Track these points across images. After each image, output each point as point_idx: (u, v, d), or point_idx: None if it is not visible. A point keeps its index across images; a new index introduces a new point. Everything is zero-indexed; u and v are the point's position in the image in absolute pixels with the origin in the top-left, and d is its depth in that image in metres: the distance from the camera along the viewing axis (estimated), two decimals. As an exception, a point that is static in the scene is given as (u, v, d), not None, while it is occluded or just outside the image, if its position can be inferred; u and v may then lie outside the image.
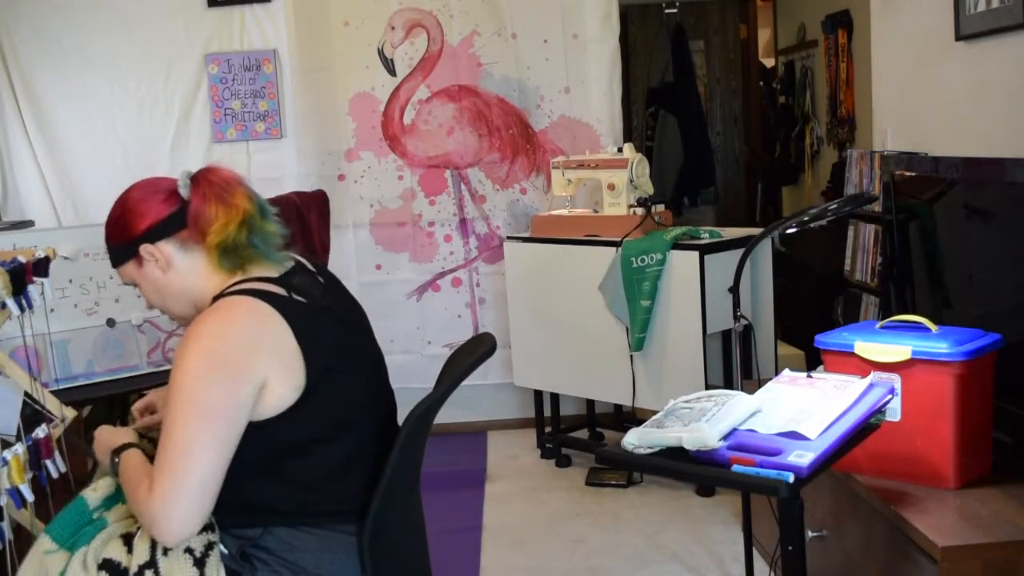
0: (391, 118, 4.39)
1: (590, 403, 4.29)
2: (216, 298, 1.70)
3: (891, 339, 2.28)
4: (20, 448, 2.09)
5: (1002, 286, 2.50)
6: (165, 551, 1.63)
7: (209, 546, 1.64)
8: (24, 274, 2.15)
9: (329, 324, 1.73)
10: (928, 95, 3.36)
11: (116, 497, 1.79)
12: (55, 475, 2.20)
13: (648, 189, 3.83)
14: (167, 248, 1.74)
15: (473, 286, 4.49)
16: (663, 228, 3.72)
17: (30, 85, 4.32)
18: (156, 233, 1.73)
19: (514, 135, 4.40)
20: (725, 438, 1.76)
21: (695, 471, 1.83)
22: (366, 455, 1.73)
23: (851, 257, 4.13)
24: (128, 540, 1.69)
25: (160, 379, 3.27)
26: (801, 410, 1.83)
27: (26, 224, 3.98)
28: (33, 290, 2.17)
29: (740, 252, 2.81)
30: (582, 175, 3.97)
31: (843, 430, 1.76)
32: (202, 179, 1.74)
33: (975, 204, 2.63)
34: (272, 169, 4.35)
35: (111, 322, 3.30)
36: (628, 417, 4.18)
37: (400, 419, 1.76)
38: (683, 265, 3.51)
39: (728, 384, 3.55)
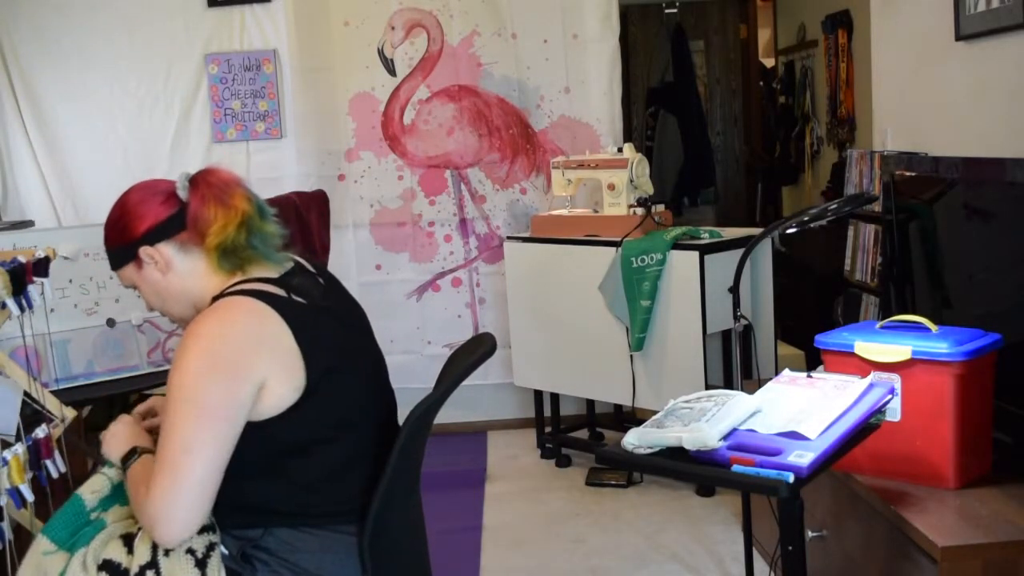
0: (391, 118, 4.39)
1: (590, 403, 4.29)
2: (216, 299, 1.70)
3: (891, 339, 2.28)
4: (20, 448, 2.09)
5: (1002, 286, 2.50)
6: (167, 552, 1.63)
7: (210, 547, 1.64)
8: (24, 274, 2.15)
9: (329, 324, 1.73)
10: (928, 95, 3.36)
11: (113, 497, 1.79)
12: (55, 475, 2.20)
13: (648, 189, 3.83)
14: (166, 250, 1.74)
15: (473, 286, 4.49)
16: (663, 228, 3.72)
17: (30, 85, 4.32)
18: (155, 235, 1.73)
19: (514, 135, 4.40)
20: (725, 438, 1.76)
21: (695, 471, 1.83)
22: (366, 455, 1.73)
23: (851, 257, 4.13)
24: (128, 541, 1.69)
25: (160, 379, 3.28)
26: (801, 410, 1.83)
27: (26, 224, 3.99)
28: (33, 290, 2.17)
29: (740, 252, 2.81)
30: (582, 175, 3.97)
31: (843, 430, 1.76)
32: (201, 181, 1.74)
33: (975, 204, 2.63)
34: (272, 169, 4.35)
35: (111, 322, 3.30)
36: (628, 417, 4.18)
37: (400, 419, 1.76)
38: (683, 265, 3.51)
39: (728, 384, 3.55)
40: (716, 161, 7.07)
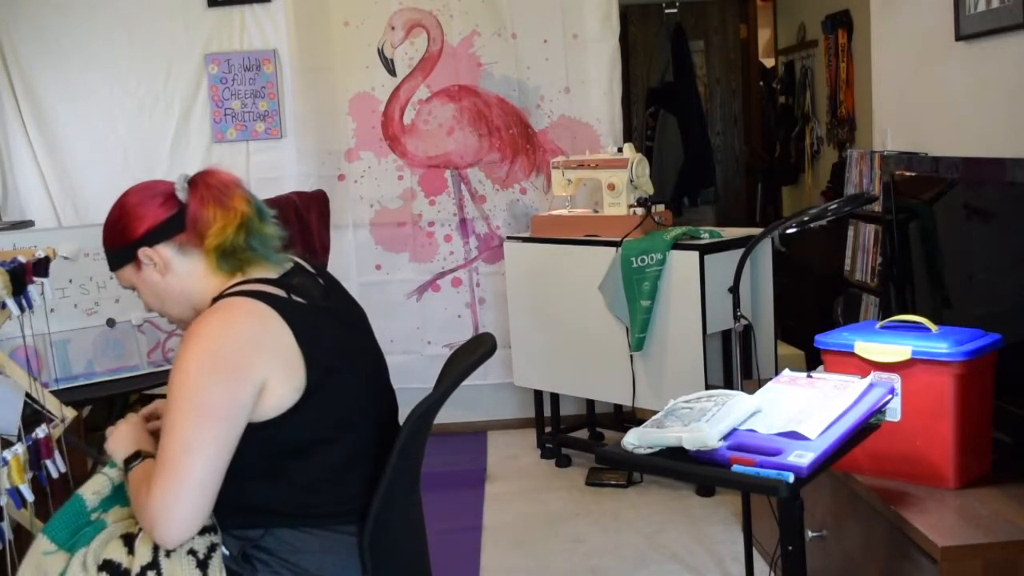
0: (391, 118, 4.39)
1: (590, 403, 4.29)
2: (216, 299, 1.70)
3: (891, 339, 2.28)
4: (20, 448, 2.09)
5: (1002, 286, 2.50)
6: (168, 553, 1.63)
7: (212, 548, 1.64)
8: (24, 274, 2.15)
9: (329, 325, 1.73)
10: (928, 95, 3.36)
11: (114, 498, 1.79)
12: (55, 475, 2.20)
13: (648, 189, 3.83)
14: (165, 251, 1.73)
15: (473, 286, 4.49)
16: (663, 228, 3.72)
17: (30, 85, 4.32)
18: (154, 237, 1.73)
19: (514, 135, 4.40)
20: (725, 438, 1.76)
21: (695, 471, 1.83)
22: (367, 455, 1.73)
23: (851, 257, 4.13)
24: (129, 541, 1.69)
25: (160, 379, 3.28)
26: (801, 410, 1.83)
27: (26, 224, 3.99)
28: (33, 290, 2.17)
29: (740, 252, 2.81)
30: (582, 175, 3.97)
31: (843, 430, 1.76)
32: (200, 182, 1.74)
33: (975, 204, 2.63)
34: (272, 169, 4.35)
35: (111, 322, 3.30)
36: (628, 417, 4.18)
37: (400, 419, 1.76)
38: (683, 265, 3.51)
39: (728, 384, 3.55)
40: (716, 161, 7.07)
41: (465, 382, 1.83)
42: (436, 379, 1.94)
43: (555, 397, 4.13)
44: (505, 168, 4.42)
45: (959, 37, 3.04)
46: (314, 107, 4.38)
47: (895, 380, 2.22)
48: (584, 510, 3.62)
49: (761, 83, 7.07)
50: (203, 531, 1.63)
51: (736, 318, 2.74)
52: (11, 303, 2.10)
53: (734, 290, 2.75)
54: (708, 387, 3.38)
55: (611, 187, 3.83)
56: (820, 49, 5.60)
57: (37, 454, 2.15)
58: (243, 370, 1.59)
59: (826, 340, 2.38)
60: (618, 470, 3.80)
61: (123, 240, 1.75)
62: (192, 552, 1.62)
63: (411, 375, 4.09)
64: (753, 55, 7.13)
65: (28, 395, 2.25)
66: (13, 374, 2.32)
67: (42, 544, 1.72)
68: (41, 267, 2.23)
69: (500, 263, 4.31)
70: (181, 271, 1.75)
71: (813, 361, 2.77)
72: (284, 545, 1.69)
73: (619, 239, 3.67)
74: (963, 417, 2.20)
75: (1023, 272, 2.39)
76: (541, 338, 4.02)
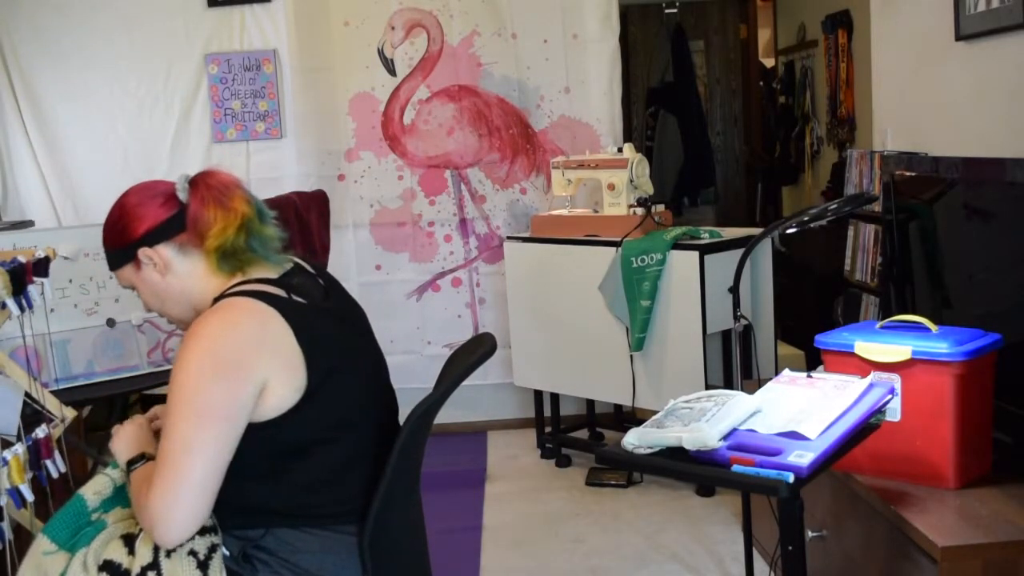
0: (391, 118, 4.39)
1: (590, 403, 4.29)
2: (217, 299, 1.70)
3: (891, 339, 2.28)
4: (20, 448, 2.09)
5: (1002, 286, 2.50)
6: (168, 553, 1.63)
7: (212, 548, 1.64)
8: (24, 274, 2.15)
9: (329, 325, 1.73)
10: (928, 95, 3.36)
11: (115, 499, 1.79)
12: (55, 475, 2.20)
13: (648, 189, 3.83)
14: (165, 252, 1.73)
15: (473, 286, 4.49)
16: (663, 228, 3.72)
17: (30, 85, 4.32)
18: (154, 237, 1.73)
19: (514, 135, 4.40)
20: (725, 438, 1.76)
21: (695, 471, 1.83)
22: (367, 456, 1.73)
23: (851, 257, 4.13)
24: (129, 541, 1.69)
25: (160, 379, 3.28)
26: (801, 410, 1.83)
27: (26, 224, 3.99)
28: (33, 290, 2.17)
29: (740, 252, 2.81)
30: (582, 175, 3.97)
31: (843, 430, 1.76)
32: (200, 182, 1.74)
33: (975, 204, 2.63)
34: (272, 169, 4.35)
35: (111, 322, 3.30)
36: (628, 417, 4.18)
37: (400, 419, 1.76)
38: (683, 265, 3.51)
39: (728, 384, 3.55)
40: (716, 161, 7.07)
41: (465, 382, 1.83)
42: (436, 379, 1.94)
43: (555, 397, 4.13)
44: (505, 168, 4.42)
45: (959, 37, 3.04)
46: (314, 107, 4.38)
47: (895, 380, 2.22)
48: (584, 510, 3.62)
49: (761, 83, 7.07)
50: (203, 531, 1.63)
51: (736, 318, 2.74)
52: (11, 303, 2.10)
53: (734, 290, 2.75)
54: (708, 387, 3.38)
55: (611, 187, 3.83)
56: (820, 49, 5.60)
57: (37, 454, 2.15)
58: (244, 370, 1.59)
59: (826, 340, 2.38)
60: (618, 470, 3.80)
61: (123, 240, 1.75)
62: (193, 553, 1.62)
63: (411, 375, 4.10)
64: (753, 55, 7.13)
65: (28, 395, 2.25)
66: (13, 374, 2.32)
67: (42, 544, 1.72)
68: (41, 267, 2.23)
69: (500, 263, 4.31)
70: (181, 271, 1.75)
71: (813, 361, 2.77)
72: (284, 545, 1.69)
73: (619, 239, 3.67)
74: (963, 417, 2.20)
75: (1023, 272, 2.39)
76: (541, 338, 4.02)
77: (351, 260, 4.45)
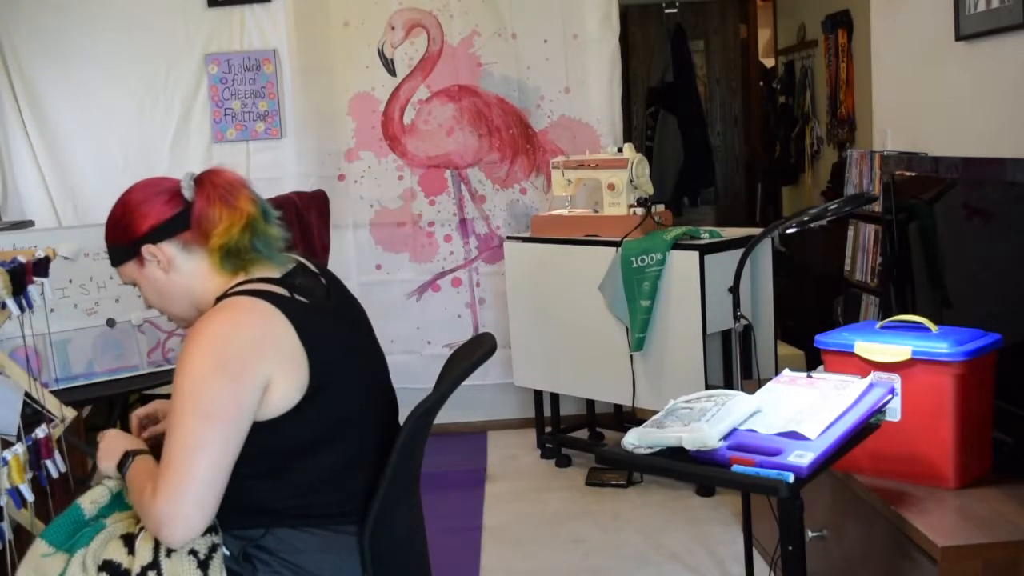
0: (391, 118, 4.39)
1: (590, 403, 4.29)
2: (220, 299, 1.70)
3: (891, 339, 2.28)
4: (20, 448, 2.09)
5: (1002, 286, 2.50)
6: (168, 552, 1.63)
7: (213, 548, 1.64)
8: (24, 274, 2.15)
9: (331, 324, 1.73)
10: (928, 95, 3.36)
11: (112, 506, 1.78)
12: (55, 475, 2.20)
13: (648, 189, 3.83)
14: (169, 249, 1.74)
15: (473, 286, 4.49)
16: (663, 228, 3.72)
17: (30, 85, 4.32)
18: (159, 234, 1.73)
19: (514, 135, 4.40)
20: (725, 438, 1.76)
21: (695, 471, 1.83)
22: (367, 456, 1.73)
23: (851, 257, 4.13)
24: (129, 541, 1.69)
25: (160, 379, 3.28)
26: (801, 410, 1.83)
27: (26, 224, 3.99)
28: (33, 290, 2.17)
29: (740, 252, 2.81)
30: (582, 175, 3.97)
31: (843, 430, 1.76)
32: (206, 181, 1.74)
33: (975, 204, 2.63)
34: (272, 169, 4.35)
35: (111, 322, 3.30)
36: (628, 417, 4.18)
37: (400, 419, 1.76)
38: (683, 265, 3.51)
39: (728, 384, 3.55)
40: (716, 161, 7.07)
41: (465, 382, 1.83)
42: (436, 379, 1.94)
43: (555, 397, 4.13)
44: (505, 168, 4.42)
45: (959, 37, 3.04)
46: (314, 107, 4.38)
47: (895, 380, 2.22)
48: (584, 510, 3.62)
49: (761, 83, 7.07)
50: (204, 531, 1.62)
51: (736, 318, 2.74)
52: (11, 303, 2.10)
53: (734, 290, 2.74)
54: (708, 387, 3.38)
55: (611, 187, 3.83)
56: (820, 49, 5.60)
57: (37, 454, 2.15)
58: (248, 370, 1.59)
59: (826, 340, 2.38)
60: (618, 470, 3.80)
61: (127, 236, 1.75)
62: (193, 552, 1.62)
63: (411, 375, 4.09)
64: (753, 55, 7.13)
65: (28, 395, 2.25)
66: (13, 374, 2.32)
67: (40, 547, 1.72)
68: (41, 267, 2.23)
69: (500, 263, 4.31)
70: (184, 269, 1.75)
71: (813, 361, 2.77)
72: (285, 545, 1.69)
73: (619, 239, 3.67)
74: (963, 417, 2.20)
75: (1023, 272, 2.39)
76: (541, 338, 4.02)
77: (351, 260, 4.45)
